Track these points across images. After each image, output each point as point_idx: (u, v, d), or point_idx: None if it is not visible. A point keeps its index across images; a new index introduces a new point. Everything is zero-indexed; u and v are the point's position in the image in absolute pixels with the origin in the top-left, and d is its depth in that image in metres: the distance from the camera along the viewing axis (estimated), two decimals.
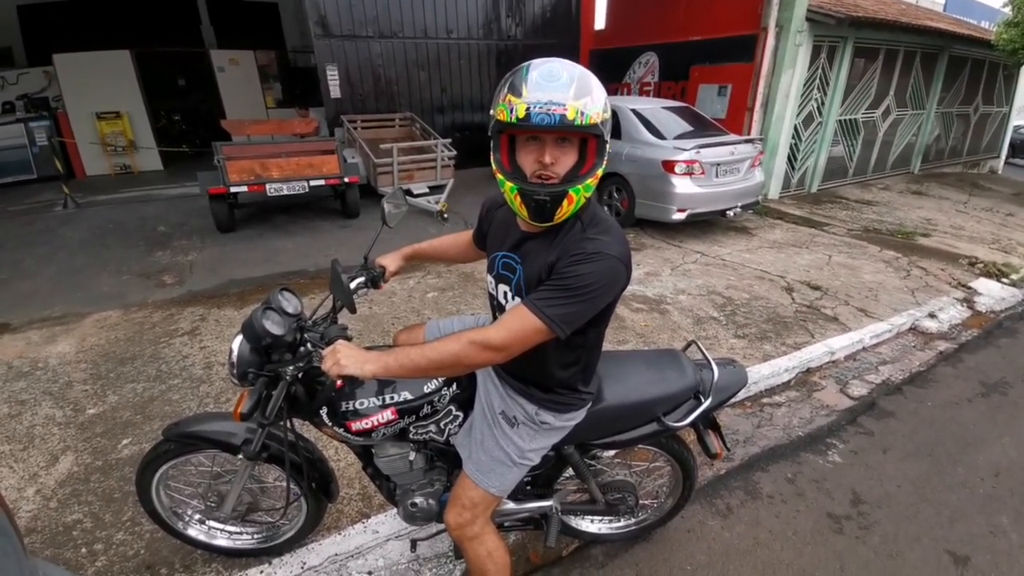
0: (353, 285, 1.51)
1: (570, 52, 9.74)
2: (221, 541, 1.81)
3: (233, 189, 5.19)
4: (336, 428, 1.40)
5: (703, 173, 5.34)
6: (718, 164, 5.44)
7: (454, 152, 6.74)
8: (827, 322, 3.76)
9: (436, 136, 7.04)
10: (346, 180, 5.77)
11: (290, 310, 1.39)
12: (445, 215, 6.12)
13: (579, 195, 1.08)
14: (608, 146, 1.10)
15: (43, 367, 3.11)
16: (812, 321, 3.77)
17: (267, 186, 5.31)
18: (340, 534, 1.93)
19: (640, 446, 1.64)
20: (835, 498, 2.24)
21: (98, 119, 8.65)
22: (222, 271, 4.66)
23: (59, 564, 1.79)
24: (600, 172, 1.09)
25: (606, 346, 1.41)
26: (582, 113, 0.99)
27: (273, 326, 1.28)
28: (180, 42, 13.76)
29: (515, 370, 1.34)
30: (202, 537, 1.79)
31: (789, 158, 7.56)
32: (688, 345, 1.68)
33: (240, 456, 1.48)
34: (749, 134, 6.91)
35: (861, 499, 2.23)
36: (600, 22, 10.16)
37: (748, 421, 2.75)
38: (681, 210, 5.36)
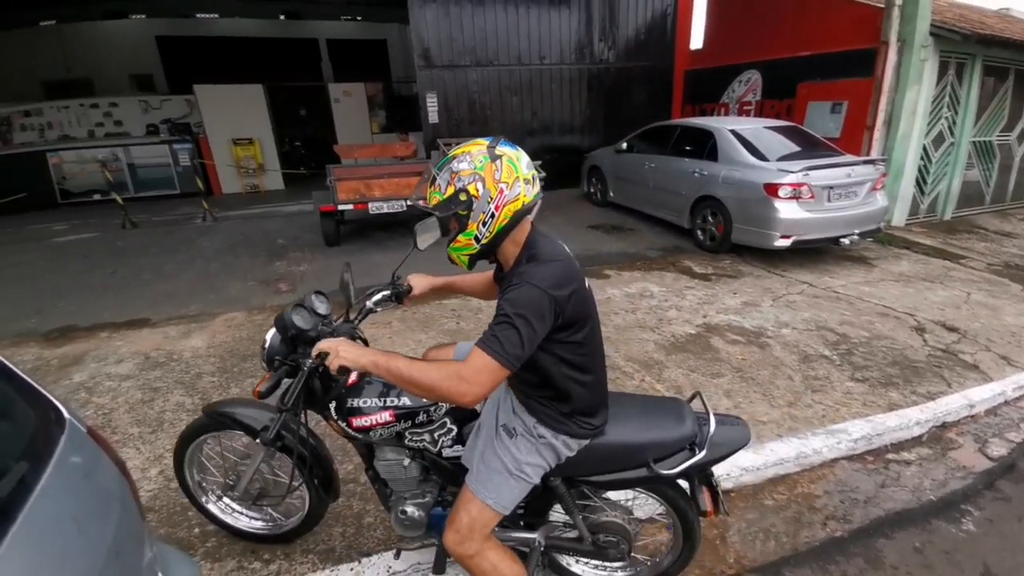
0: (378, 296, 1.68)
1: (663, 73, 9.57)
2: (230, 520, 1.98)
3: (341, 207, 5.66)
4: (340, 423, 1.52)
5: (812, 197, 4.93)
6: (831, 187, 5.01)
7: (543, 173, 6.83)
8: (966, 370, 3.26)
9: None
10: None
11: (320, 311, 1.56)
12: None
13: (458, 255, 1.34)
14: (468, 210, 1.25)
15: (177, 359, 3.54)
16: (948, 368, 3.29)
17: (370, 205, 5.73)
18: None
19: (640, 492, 1.64)
20: (965, 571, 1.91)
21: (234, 144, 9.90)
22: (327, 281, 5.05)
23: (172, 544, 1.98)
24: (465, 233, 1.28)
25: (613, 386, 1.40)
26: (427, 200, 1.29)
27: (300, 320, 1.46)
28: (303, 77, 15.50)
29: (519, 382, 1.40)
30: (218, 513, 1.96)
31: (918, 181, 6.77)
32: (693, 397, 1.60)
33: (257, 440, 1.60)
34: (869, 154, 6.30)
35: (992, 572, 1.89)
36: (696, 41, 9.90)
37: (871, 479, 2.44)
38: (785, 236, 4.98)
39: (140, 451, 2.59)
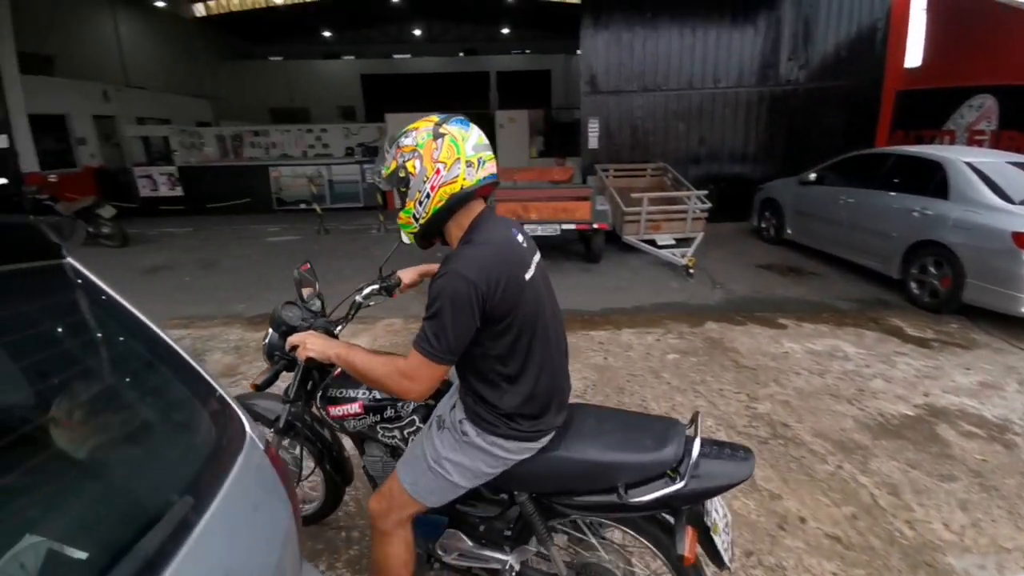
0: (368, 291, 1.76)
1: (866, 94, 8.24)
2: None
3: None
4: (322, 410, 1.60)
5: None
6: None
7: (708, 204, 6.27)
8: None
9: (689, 187, 6.68)
10: (595, 226, 5.93)
11: (314, 308, 1.70)
12: (691, 270, 5.67)
13: (404, 231, 1.31)
14: (406, 188, 1.22)
15: None
16: None
17: (525, 226, 5.78)
18: None
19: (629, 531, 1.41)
20: None
21: None
22: None
23: (315, 563, 1.98)
24: (405, 210, 1.25)
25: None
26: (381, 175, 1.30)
27: (290, 317, 1.59)
28: (473, 106, 16.91)
29: (461, 374, 1.31)
30: None
31: None
32: (694, 418, 1.34)
33: (271, 430, 1.65)
34: None
35: None
36: (912, 58, 8.37)
37: None
38: None
39: None
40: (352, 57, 21.39)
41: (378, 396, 1.49)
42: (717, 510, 1.31)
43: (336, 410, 1.54)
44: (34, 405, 0.86)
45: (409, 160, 1.19)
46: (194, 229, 9.39)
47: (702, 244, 6.16)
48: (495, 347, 1.19)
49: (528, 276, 1.22)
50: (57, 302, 0.93)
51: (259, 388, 1.44)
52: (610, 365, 3.64)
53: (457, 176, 1.17)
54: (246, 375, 3.55)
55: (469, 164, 1.17)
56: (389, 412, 1.50)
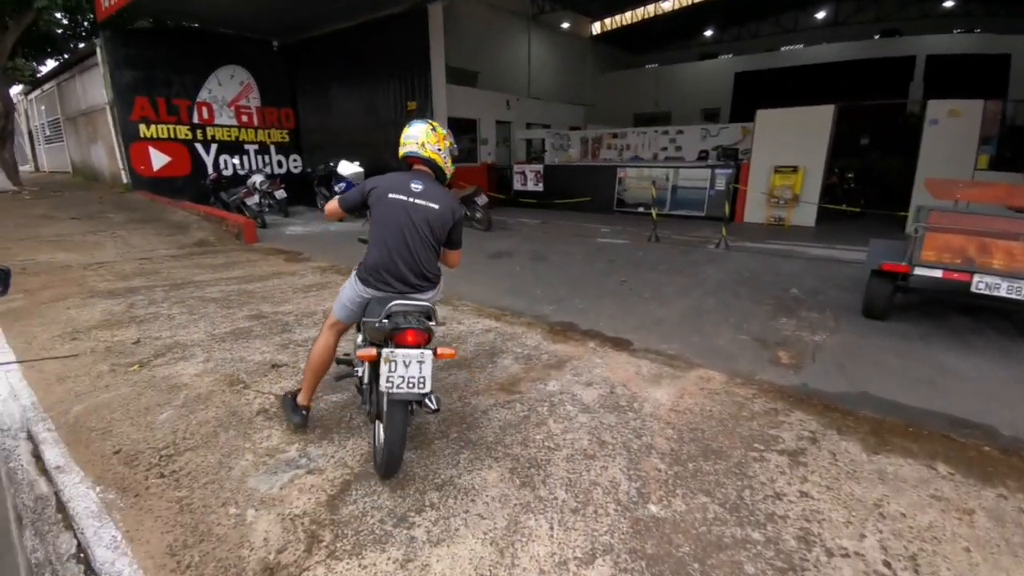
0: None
1: None
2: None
3: (919, 271, 3.64)
4: None
5: None
6: None
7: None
8: None
9: None
10: None
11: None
12: None
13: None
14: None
15: (636, 409, 2.89)
16: None
17: (975, 277, 3.43)
18: None
19: None
20: None
21: (775, 171, 8.99)
22: (854, 374, 3.34)
23: None
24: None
25: None
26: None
27: None
28: (884, 97, 12.94)
29: None
30: None
31: None
32: None
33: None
34: None
35: None
36: None
37: None
38: None
39: (551, 535, 1.97)
40: (730, 55, 19.79)
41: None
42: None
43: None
44: None
45: None
46: (542, 221, 10.17)
47: None
48: (372, 221, 2.34)
49: (392, 196, 2.27)
50: None
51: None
52: None
53: (401, 151, 2.39)
54: (524, 395, 3.04)
55: (401, 145, 2.37)
56: None
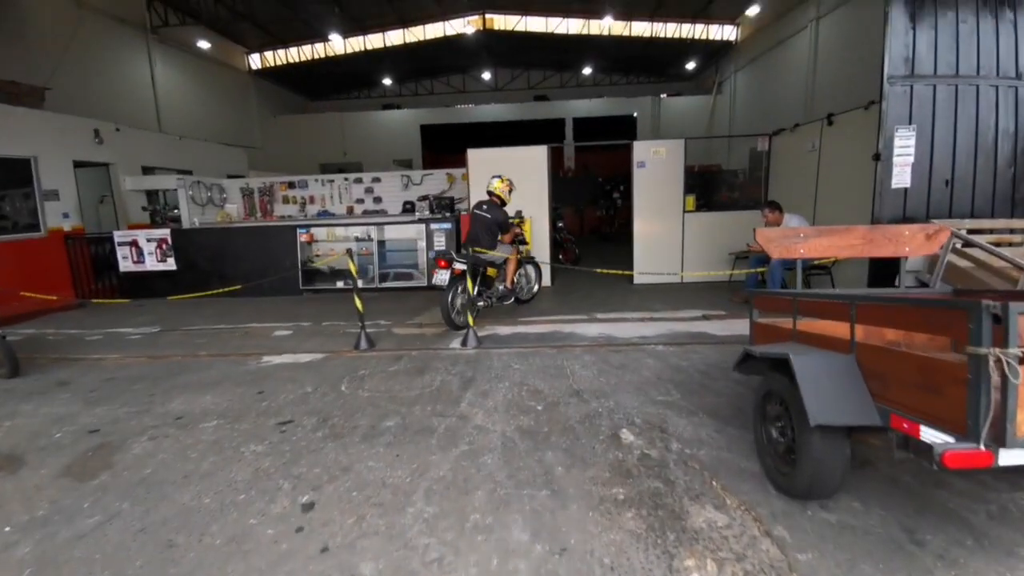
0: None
1: None
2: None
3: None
4: None
5: None
6: None
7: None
8: None
9: None
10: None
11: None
12: None
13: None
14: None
15: None
16: None
17: None
18: None
19: None
20: None
21: None
22: None
23: None
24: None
25: None
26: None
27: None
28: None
29: None
30: None
31: None
32: None
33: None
34: None
35: None
36: None
37: None
38: None
39: None
40: (415, 108, 19.01)
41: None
42: None
43: None
44: None
45: None
46: (161, 329, 5.77)
47: None
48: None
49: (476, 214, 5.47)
50: None
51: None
52: None
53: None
54: None
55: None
56: None
